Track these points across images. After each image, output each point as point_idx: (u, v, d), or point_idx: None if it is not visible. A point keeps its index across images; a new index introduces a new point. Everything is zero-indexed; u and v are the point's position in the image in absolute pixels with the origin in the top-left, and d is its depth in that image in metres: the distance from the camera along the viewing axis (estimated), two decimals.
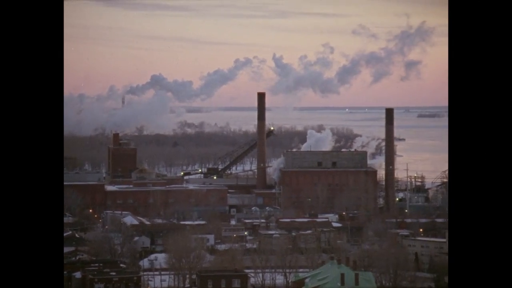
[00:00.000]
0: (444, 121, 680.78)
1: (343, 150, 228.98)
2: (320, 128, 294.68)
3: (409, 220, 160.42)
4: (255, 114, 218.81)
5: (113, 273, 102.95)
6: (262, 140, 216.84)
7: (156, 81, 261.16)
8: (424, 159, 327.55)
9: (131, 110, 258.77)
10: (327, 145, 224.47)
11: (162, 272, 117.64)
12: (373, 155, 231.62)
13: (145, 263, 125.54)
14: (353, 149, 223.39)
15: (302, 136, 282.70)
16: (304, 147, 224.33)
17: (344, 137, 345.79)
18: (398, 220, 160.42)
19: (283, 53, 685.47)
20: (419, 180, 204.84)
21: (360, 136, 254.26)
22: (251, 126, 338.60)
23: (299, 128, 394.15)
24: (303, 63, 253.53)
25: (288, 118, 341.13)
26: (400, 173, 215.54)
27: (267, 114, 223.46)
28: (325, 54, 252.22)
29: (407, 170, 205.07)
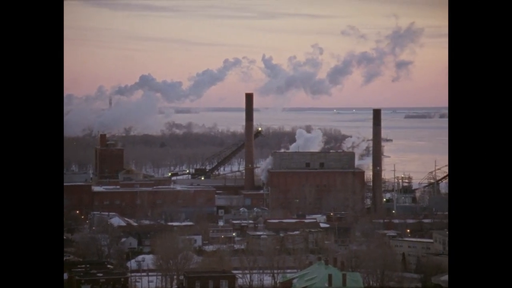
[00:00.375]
0: (432, 122, 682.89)
1: (331, 151, 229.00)
2: (308, 129, 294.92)
3: (396, 221, 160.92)
4: (244, 114, 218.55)
5: (100, 274, 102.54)
6: (250, 141, 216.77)
7: (145, 82, 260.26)
8: (411, 160, 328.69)
9: (119, 110, 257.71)
10: (317, 146, 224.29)
11: (150, 273, 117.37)
12: (361, 156, 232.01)
13: (132, 264, 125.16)
14: (340, 150, 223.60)
15: (290, 137, 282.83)
16: (293, 147, 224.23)
17: (332, 138, 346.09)
18: (385, 220, 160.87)
19: (272, 54, 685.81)
20: (406, 180, 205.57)
21: (350, 136, 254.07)
22: (239, 126, 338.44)
23: (287, 128, 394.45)
24: (292, 64, 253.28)
25: (277, 119, 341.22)
26: (387, 174, 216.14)
27: (256, 115, 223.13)
28: (314, 55, 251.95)
29: (394, 171, 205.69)
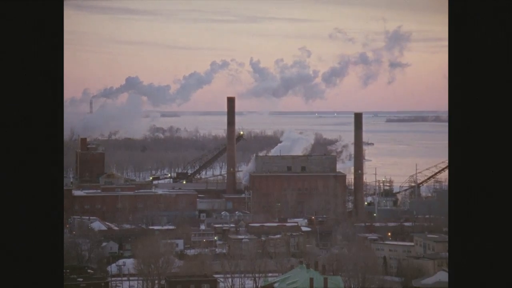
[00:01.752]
0: (413, 125, 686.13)
1: (314, 154, 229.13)
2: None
3: (377, 224, 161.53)
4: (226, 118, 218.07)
5: (80, 279, 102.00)
6: (232, 145, 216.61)
7: (131, 84, 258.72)
8: (393, 164, 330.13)
9: (103, 114, 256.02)
10: (303, 149, 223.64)
11: (130, 278, 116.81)
12: (344, 160, 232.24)
13: (113, 268, 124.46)
14: (322, 154, 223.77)
15: (272, 141, 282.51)
16: (275, 150, 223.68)
17: (315, 141, 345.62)
18: (367, 224, 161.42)
19: (259, 58, 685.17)
20: (387, 184, 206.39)
21: (339, 140, 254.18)
22: (221, 130, 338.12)
23: (269, 132, 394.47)
24: (280, 67, 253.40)
25: (260, 123, 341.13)
26: (368, 178, 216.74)
27: (241, 119, 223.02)
28: (302, 58, 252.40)
29: (375, 174, 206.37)
